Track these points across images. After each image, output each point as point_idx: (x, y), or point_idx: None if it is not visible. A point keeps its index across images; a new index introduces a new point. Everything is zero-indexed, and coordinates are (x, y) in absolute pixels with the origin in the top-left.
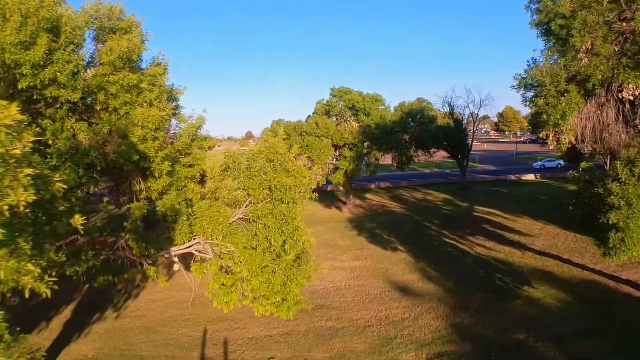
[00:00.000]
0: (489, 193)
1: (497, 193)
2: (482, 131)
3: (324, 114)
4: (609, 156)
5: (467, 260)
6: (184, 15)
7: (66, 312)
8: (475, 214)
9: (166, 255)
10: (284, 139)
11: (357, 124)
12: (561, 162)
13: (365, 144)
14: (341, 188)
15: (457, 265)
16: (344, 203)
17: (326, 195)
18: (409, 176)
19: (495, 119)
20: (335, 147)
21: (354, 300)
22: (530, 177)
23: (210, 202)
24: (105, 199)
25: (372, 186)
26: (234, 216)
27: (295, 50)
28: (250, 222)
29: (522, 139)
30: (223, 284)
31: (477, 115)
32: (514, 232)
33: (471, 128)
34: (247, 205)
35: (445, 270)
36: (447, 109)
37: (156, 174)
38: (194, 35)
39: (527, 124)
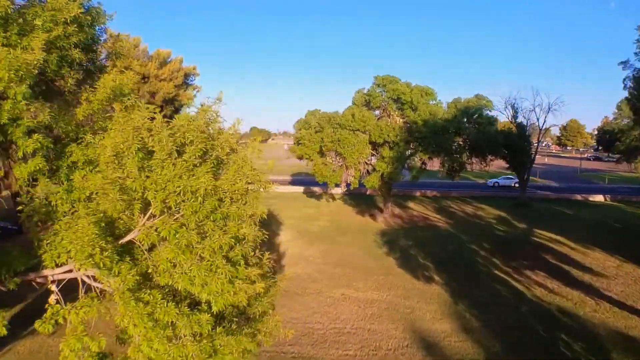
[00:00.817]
0: (551, 213)
1: (560, 214)
2: (543, 144)
3: (364, 105)
4: None
5: (523, 308)
6: (184, 14)
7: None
8: (535, 239)
9: (38, 280)
10: (316, 132)
11: (401, 120)
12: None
13: (410, 144)
14: None
15: (509, 313)
16: (381, 211)
17: (363, 199)
18: (461, 186)
19: (558, 132)
20: (374, 144)
21: (356, 355)
22: (599, 198)
23: (84, 207)
24: None
25: (417, 194)
26: (131, 234)
27: (294, 50)
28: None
29: (585, 156)
30: (87, 349)
31: (545, 121)
32: (584, 269)
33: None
34: (149, 218)
35: (492, 320)
36: (510, 112)
37: (19, 154)
38: (193, 35)
39: (592, 139)
